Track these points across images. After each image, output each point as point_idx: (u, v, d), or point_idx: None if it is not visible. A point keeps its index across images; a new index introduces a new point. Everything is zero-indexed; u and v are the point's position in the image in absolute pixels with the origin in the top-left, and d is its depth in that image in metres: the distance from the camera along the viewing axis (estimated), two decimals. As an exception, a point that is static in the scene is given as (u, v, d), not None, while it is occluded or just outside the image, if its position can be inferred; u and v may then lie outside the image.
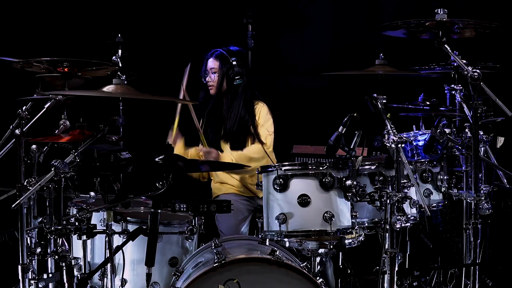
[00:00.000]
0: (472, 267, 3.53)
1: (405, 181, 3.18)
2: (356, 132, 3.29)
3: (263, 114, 4.38)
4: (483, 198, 3.44)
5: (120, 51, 4.37)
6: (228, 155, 4.30)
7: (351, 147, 3.28)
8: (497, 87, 3.35)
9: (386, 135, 3.17)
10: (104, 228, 3.24)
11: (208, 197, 4.44)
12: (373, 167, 3.37)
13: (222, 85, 4.38)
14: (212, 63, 4.41)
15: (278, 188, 3.26)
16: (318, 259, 3.35)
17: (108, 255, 3.20)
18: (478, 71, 3.22)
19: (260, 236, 3.38)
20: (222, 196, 4.38)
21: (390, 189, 3.18)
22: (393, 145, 3.13)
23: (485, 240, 4.24)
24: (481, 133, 3.76)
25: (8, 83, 4.69)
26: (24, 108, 3.27)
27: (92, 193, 3.41)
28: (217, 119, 4.42)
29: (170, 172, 3.11)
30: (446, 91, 4.19)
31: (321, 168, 3.25)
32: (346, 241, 3.27)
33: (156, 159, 3.23)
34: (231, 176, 4.37)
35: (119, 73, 4.03)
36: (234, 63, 4.38)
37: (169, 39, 5.39)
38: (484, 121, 4.10)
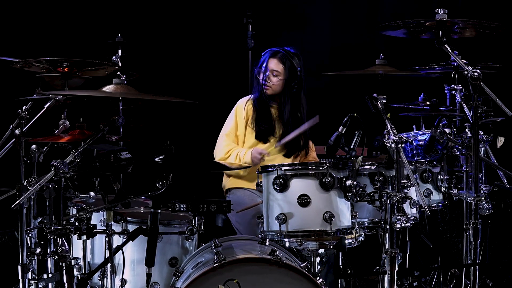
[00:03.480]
0: (472, 267, 3.53)
1: (405, 181, 3.17)
2: (356, 132, 3.29)
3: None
4: (483, 198, 3.45)
5: (120, 51, 4.36)
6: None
7: (351, 147, 3.28)
8: (497, 87, 3.35)
9: (386, 135, 3.16)
10: (104, 228, 3.24)
11: (208, 197, 4.42)
12: (373, 167, 3.36)
13: (280, 90, 4.23)
14: (275, 65, 4.20)
15: (278, 188, 3.26)
16: (318, 259, 3.35)
17: (108, 255, 3.20)
18: (478, 71, 3.21)
19: (260, 236, 3.37)
20: (234, 191, 4.23)
21: (390, 189, 3.18)
22: (393, 145, 3.13)
23: (485, 240, 4.23)
24: (481, 133, 3.77)
25: (8, 83, 4.69)
26: (24, 108, 3.27)
27: (92, 193, 3.42)
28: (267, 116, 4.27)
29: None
30: (446, 91, 4.19)
31: (321, 168, 3.24)
32: (346, 241, 3.27)
33: (156, 159, 3.23)
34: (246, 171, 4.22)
35: (119, 73, 4.03)
36: (299, 73, 4.19)
37: (169, 39, 5.39)
38: (484, 121, 4.09)
